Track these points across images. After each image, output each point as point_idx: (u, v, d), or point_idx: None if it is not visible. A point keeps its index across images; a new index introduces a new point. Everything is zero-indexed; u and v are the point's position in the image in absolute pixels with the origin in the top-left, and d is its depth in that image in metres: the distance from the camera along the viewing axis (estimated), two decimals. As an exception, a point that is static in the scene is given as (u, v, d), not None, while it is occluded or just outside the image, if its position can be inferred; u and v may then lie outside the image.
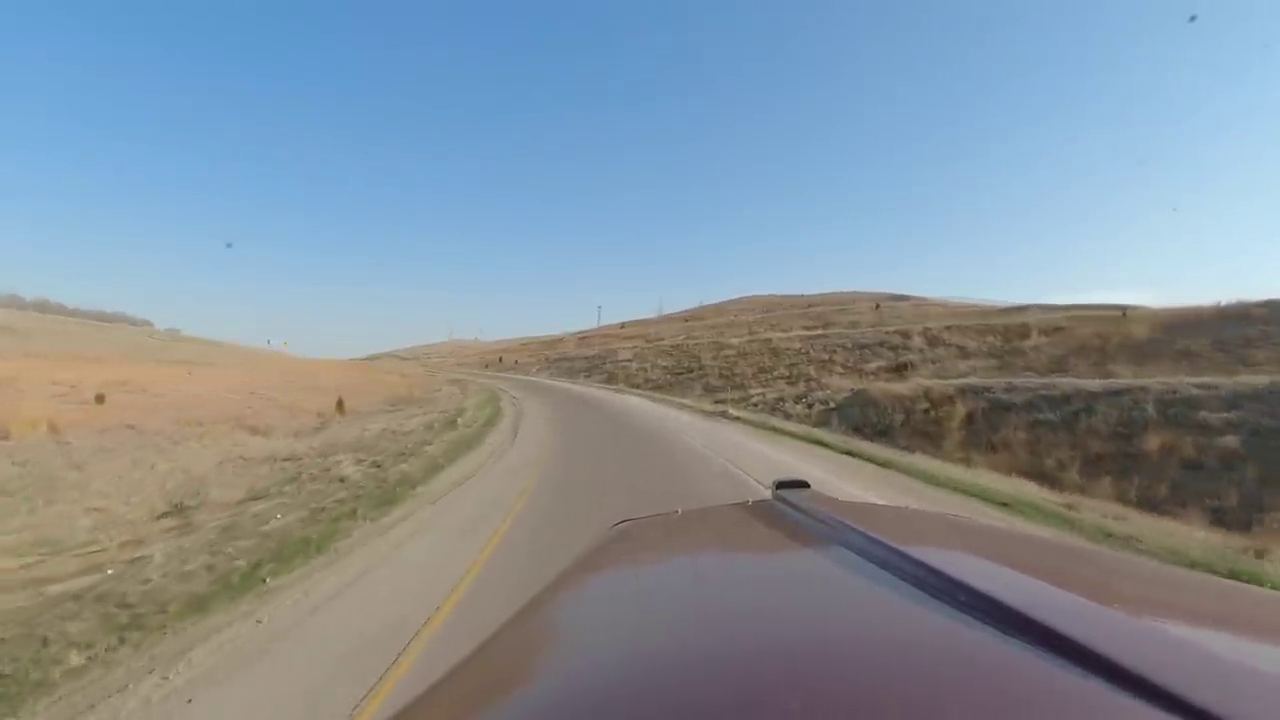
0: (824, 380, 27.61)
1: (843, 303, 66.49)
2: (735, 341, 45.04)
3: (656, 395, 30.57)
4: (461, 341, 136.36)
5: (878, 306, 53.34)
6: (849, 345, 35.00)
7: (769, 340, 42.24)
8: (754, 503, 1.29)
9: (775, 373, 33.12)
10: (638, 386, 37.81)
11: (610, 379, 43.22)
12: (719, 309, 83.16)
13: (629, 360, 48.08)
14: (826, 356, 33.79)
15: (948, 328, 34.16)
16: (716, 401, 28.94)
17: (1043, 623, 0.48)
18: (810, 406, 23.12)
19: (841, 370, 30.39)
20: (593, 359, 53.45)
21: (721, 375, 35.67)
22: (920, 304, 55.13)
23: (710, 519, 1.30)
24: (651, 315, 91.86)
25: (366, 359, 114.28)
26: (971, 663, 0.48)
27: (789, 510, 1.12)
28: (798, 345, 38.18)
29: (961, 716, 0.40)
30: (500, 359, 66.69)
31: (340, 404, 18.62)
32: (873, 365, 29.23)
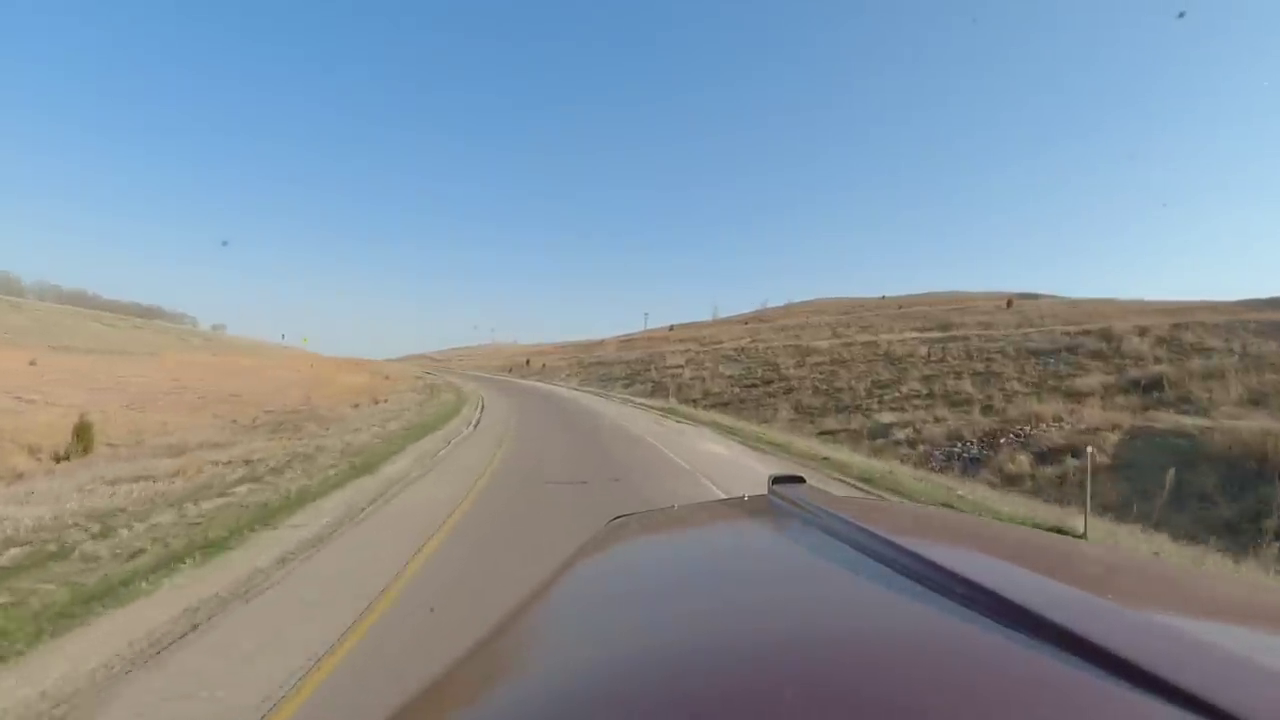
0: (1020, 404, 16.32)
1: (945, 302, 54.06)
2: (823, 345, 33.85)
3: (725, 422, 19.78)
4: (501, 344, 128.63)
5: (1009, 304, 41.01)
6: (1010, 352, 23.40)
7: (874, 344, 30.87)
8: (750, 498, 1.29)
9: (903, 387, 21.98)
10: (693, 401, 27.29)
11: (656, 390, 32.81)
12: (786, 310, 71.72)
13: (679, 367, 37.58)
14: (981, 367, 22.35)
15: (1176, 325, 22.13)
16: (829, 434, 18.14)
17: (1040, 615, 0.48)
18: (1049, 460, 11.98)
19: (1023, 386, 19.02)
20: (634, 364, 43.26)
21: (818, 390, 24.70)
22: (1075, 303, 42.35)
23: (706, 515, 1.33)
24: (705, 319, 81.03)
25: (397, 359, 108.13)
26: (969, 656, 0.48)
27: (785, 506, 1.12)
28: (922, 351, 26.75)
29: (960, 709, 0.40)
30: (528, 362, 57.47)
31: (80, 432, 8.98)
32: (1089, 381, 17.70)
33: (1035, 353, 22.51)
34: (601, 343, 75.43)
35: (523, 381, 42.82)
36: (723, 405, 26.07)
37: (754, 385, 28.59)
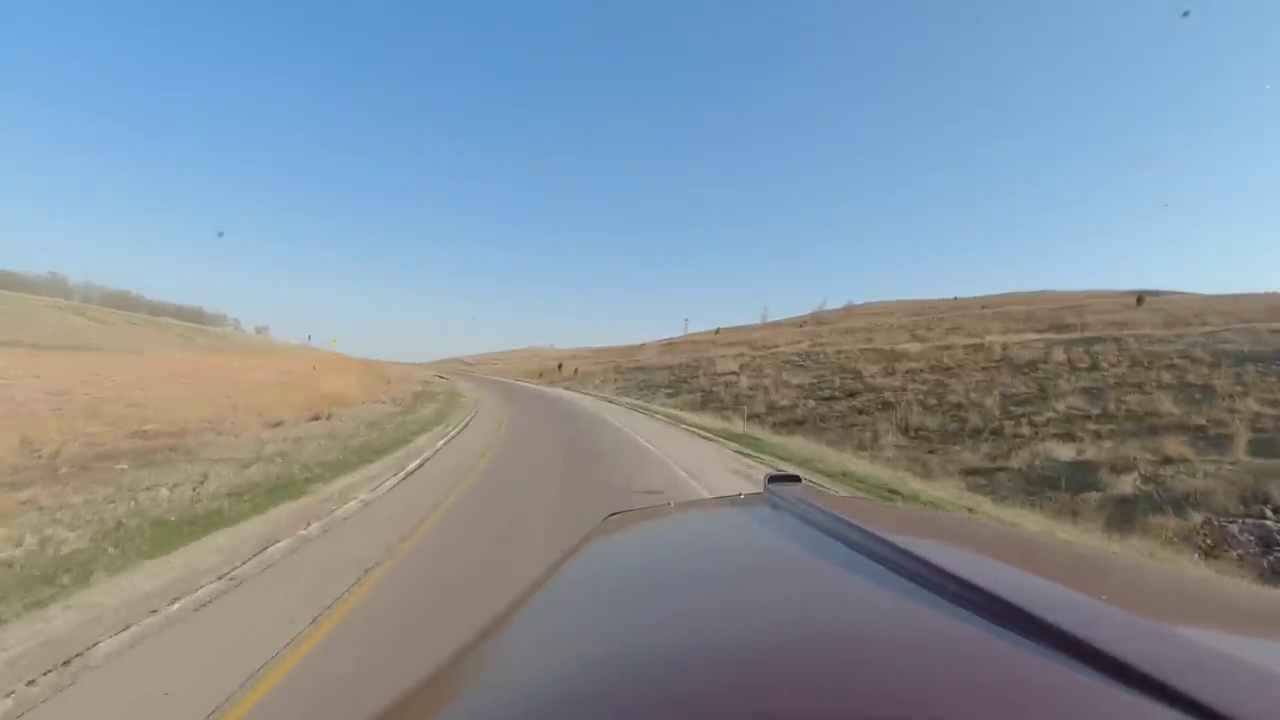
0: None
1: (1040, 301, 46.57)
2: (911, 348, 27.63)
3: (808, 451, 14.10)
4: (538, 349, 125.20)
5: (1140, 301, 33.70)
6: (1202, 356, 16.90)
7: (980, 347, 24.55)
8: (745, 496, 1.28)
9: (1056, 404, 15.81)
10: (756, 417, 21.66)
11: (707, 401, 27.24)
12: (847, 312, 64.87)
13: (733, 373, 31.89)
14: (1170, 378, 15.98)
15: None
16: (976, 475, 12.38)
17: (1033, 615, 0.48)
18: None
19: (1263, 404, 12.66)
20: (679, 370, 37.76)
21: (928, 406, 18.71)
22: (1211, 300, 34.66)
23: (702, 512, 1.32)
24: (753, 322, 74.82)
25: (430, 363, 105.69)
26: (962, 654, 0.48)
27: (780, 504, 1.10)
28: (1059, 356, 20.40)
29: (952, 707, 0.40)
30: (559, 367, 52.52)
31: None
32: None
33: (1250, 358, 16.00)
34: (641, 347, 70.12)
35: (547, 389, 37.60)
36: (796, 423, 20.32)
37: (833, 398, 22.71)
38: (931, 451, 15.02)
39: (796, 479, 1.32)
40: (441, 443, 10.12)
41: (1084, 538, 7.19)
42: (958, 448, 14.92)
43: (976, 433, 15.59)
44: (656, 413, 21.31)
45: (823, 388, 24.54)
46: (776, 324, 69.25)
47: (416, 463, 8.25)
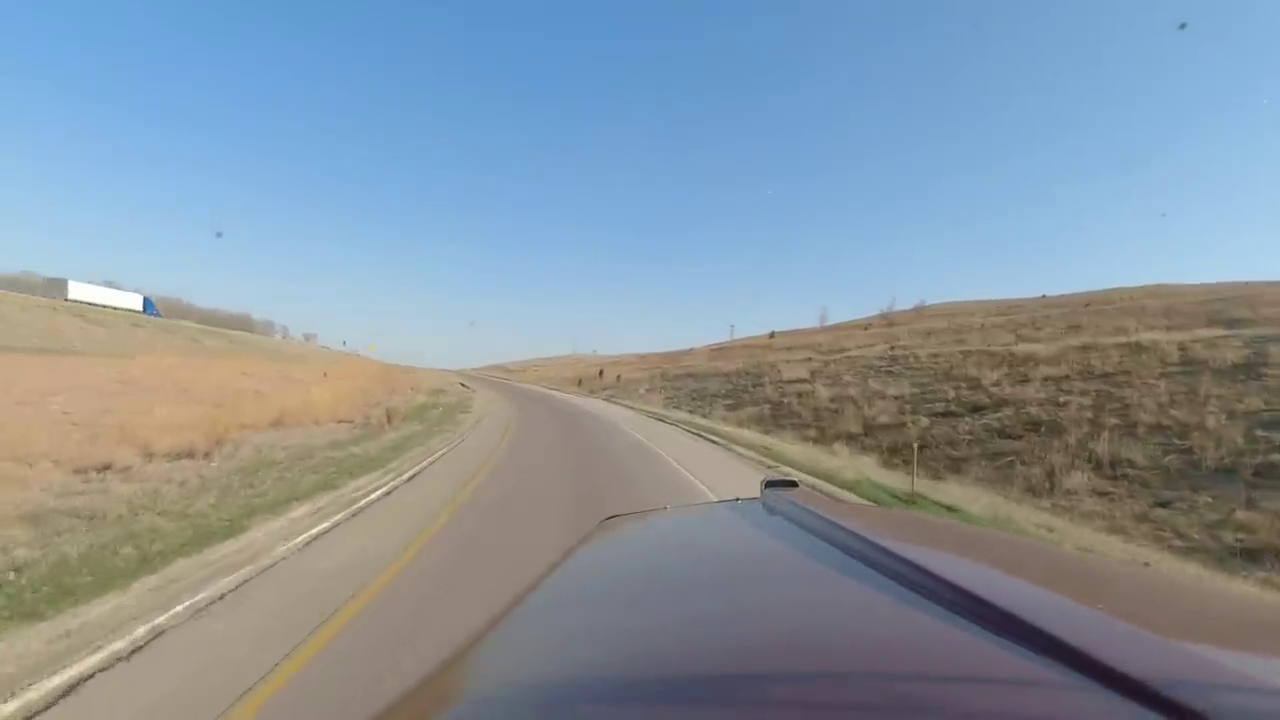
0: None
1: (1152, 297, 39.37)
2: (1039, 350, 21.93)
3: (1002, 511, 8.93)
4: (580, 356, 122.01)
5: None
6: None
7: (1145, 346, 18.70)
8: (743, 501, 1.27)
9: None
10: (849, 438, 16.63)
11: (779, 415, 22.26)
12: (919, 313, 58.19)
13: (804, 381, 26.76)
14: None
15: None
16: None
17: (1026, 621, 0.48)
18: None
19: None
20: (735, 377, 32.80)
21: (1113, 430, 13.24)
22: None
23: (698, 517, 1.31)
24: (812, 325, 68.88)
25: (473, 369, 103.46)
26: (956, 660, 0.48)
27: (777, 509, 1.09)
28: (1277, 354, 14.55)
29: (946, 713, 0.41)
30: (600, 373, 48.14)
31: None
32: None
33: None
34: (689, 352, 65.24)
35: (581, 401, 31.91)
36: (904, 447, 15.13)
37: (952, 413, 17.42)
38: (1163, 504, 9.70)
39: (794, 484, 1.33)
40: (316, 530, 5.23)
41: None
42: (1205, 496, 9.56)
43: (1226, 471, 10.17)
44: (725, 438, 16.20)
45: (931, 399, 19.23)
46: (837, 326, 63.20)
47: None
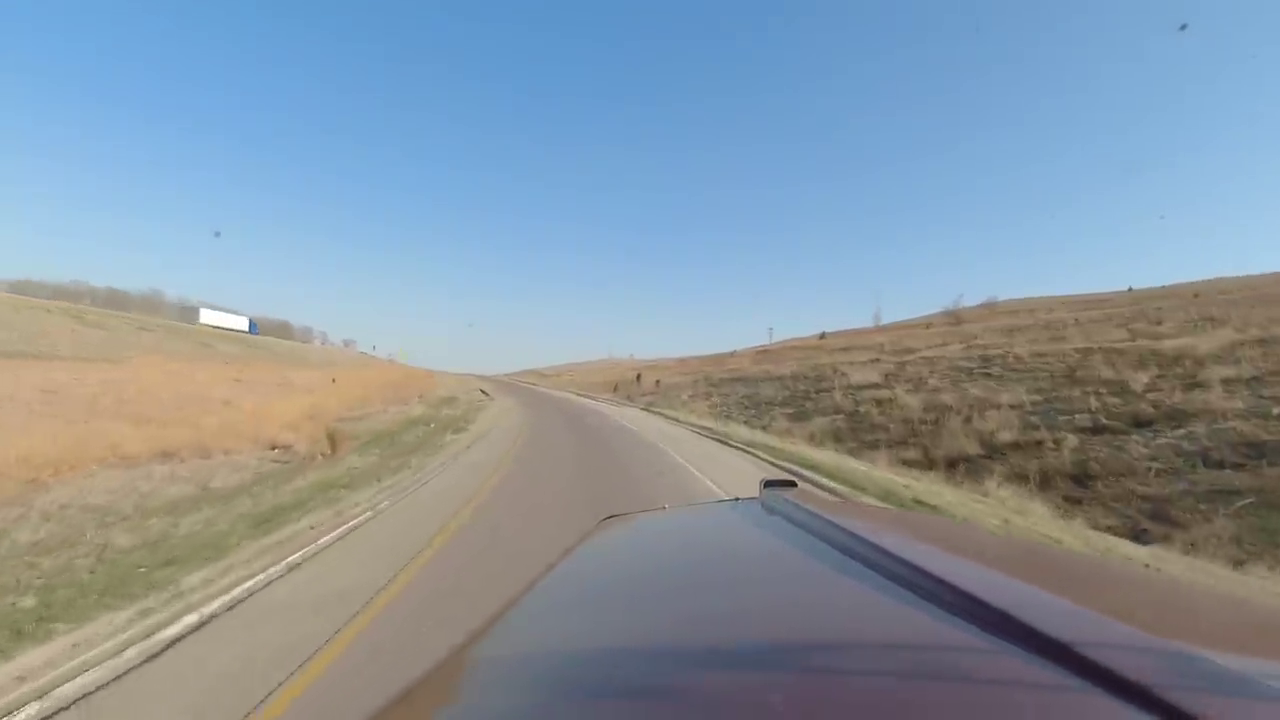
0: None
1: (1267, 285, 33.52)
2: (1201, 346, 17.41)
3: None
4: (615, 359, 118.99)
5: None
6: None
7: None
8: (741, 501, 1.25)
9: None
10: (976, 464, 12.69)
11: (859, 431, 18.31)
12: (990, 309, 52.63)
13: (877, 386, 22.70)
14: None
15: None
16: None
17: (1024, 622, 0.48)
18: None
19: None
20: (790, 381, 28.82)
21: None
22: None
23: (697, 517, 1.30)
24: (866, 325, 63.96)
25: (507, 374, 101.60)
26: (956, 661, 0.48)
27: (776, 508, 1.08)
28: None
29: (945, 714, 0.41)
30: (638, 378, 44.31)
31: None
32: None
33: None
34: (732, 354, 61.15)
35: (613, 410, 25.23)
36: (1079, 479, 11.10)
37: (1106, 429, 13.19)
38: None
39: (793, 483, 1.31)
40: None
41: None
42: None
43: None
44: (824, 471, 11.35)
45: (1063, 409, 15.00)
46: (895, 326, 58.24)
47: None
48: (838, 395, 22.89)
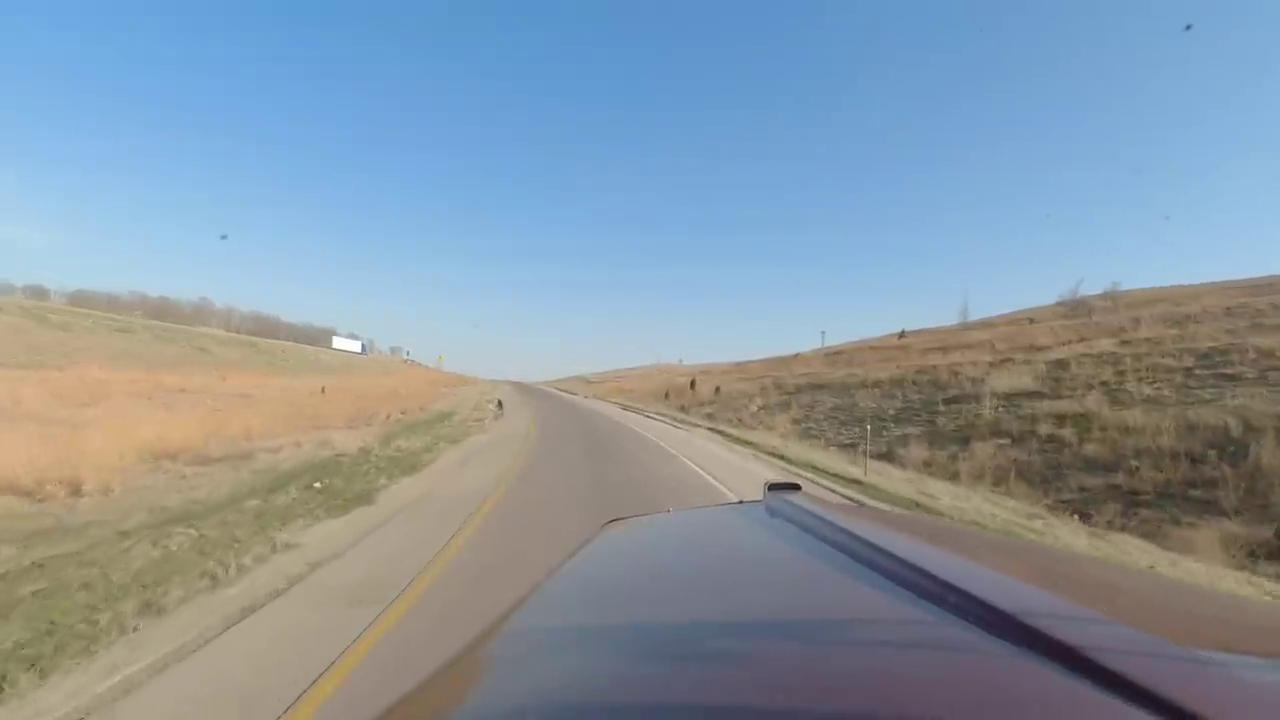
0: None
1: None
2: None
3: None
4: (665, 365, 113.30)
5: None
6: None
7: None
8: (745, 503, 1.24)
9: None
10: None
11: (1062, 468, 11.96)
12: (1112, 299, 44.24)
13: (1040, 395, 16.10)
14: None
15: None
16: None
17: (1029, 624, 0.48)
18: None
19: None
20: (894, 388, 22.31)
21: None
22: None
23: (701, 519, 1.27)
24: (950, 323, 56.08)
25: (553, 380, 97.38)
26: (959, 665, 0.48)
27: (780, 511, 1.07)
28: None
29: (949, 715, 0.41)
30: (692, 384, 38.05)
31: None
32: None
33: None
34: (796, 357, 54.38)
35: (662, 430, 18.11)
36: None
37: None
38: None
39: (796, 486, 1.29)
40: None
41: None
42: None
43: None
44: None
45: None
46: (984, 322, 50.35)
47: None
48: (986, 409, 16.32)
